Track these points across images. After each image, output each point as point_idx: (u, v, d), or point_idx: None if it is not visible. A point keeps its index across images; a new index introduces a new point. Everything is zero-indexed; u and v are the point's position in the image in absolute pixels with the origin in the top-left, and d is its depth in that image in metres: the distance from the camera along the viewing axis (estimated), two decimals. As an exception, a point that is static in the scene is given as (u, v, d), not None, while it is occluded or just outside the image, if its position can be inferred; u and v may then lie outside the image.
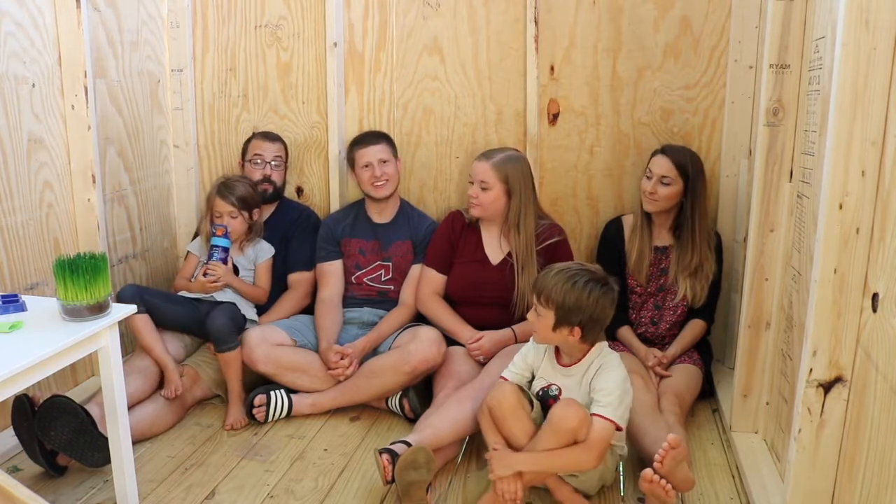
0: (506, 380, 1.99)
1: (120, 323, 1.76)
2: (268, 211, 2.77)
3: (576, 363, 1.93)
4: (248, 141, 2.79)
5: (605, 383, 1.86)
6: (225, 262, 2.49)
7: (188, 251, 2.66)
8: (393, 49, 2.85)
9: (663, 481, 1.75)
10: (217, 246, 2.48)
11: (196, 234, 2.74)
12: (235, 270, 2.57)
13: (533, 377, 2.01)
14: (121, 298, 2.31)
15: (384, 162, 2.62)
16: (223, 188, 2.54)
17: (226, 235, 2.50)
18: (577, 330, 1.85)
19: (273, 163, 2.73)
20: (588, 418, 1.80)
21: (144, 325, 2.36)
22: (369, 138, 2.67)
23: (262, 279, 2.62)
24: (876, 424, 1.33)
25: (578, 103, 2.78)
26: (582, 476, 1.88)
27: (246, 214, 2.56)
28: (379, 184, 2.61)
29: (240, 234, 2.57)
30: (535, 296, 1.89)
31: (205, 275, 2.47)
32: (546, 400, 1.95)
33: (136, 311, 2.46)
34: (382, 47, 2.85)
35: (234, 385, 2.41)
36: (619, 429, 1.85)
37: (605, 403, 1.83)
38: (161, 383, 2.41)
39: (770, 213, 2.05)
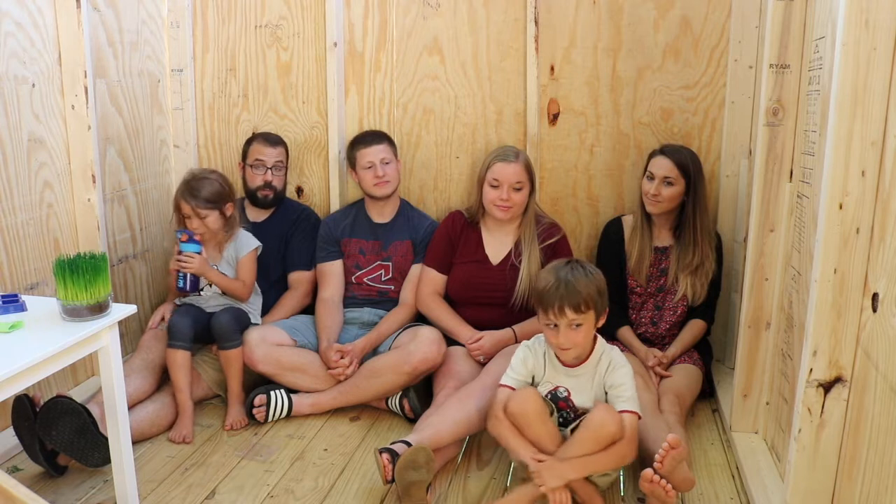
0: (508, 387, 1.96)
1: (121, 323, 1.76)
2: (267, 212, 2.77)
3: (582, 363, 1.93)
4: (249, 143, 2.77)
5: (621, 378, 1.89)
6: None
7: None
8: (393, 49, 2.85)
9: (664, 481, 1.75)
10: (185, 252, 2.39)
11: None
12: None
13: (533, 382, 2.01)
14: (173, 330, 2.32)
15: (386, 162, 2.62)
16: (188, 190, 2.38)
17: (191, 240, 2.38)
18: (606, 311, 1.91)
19: (274, 169, 2.71)
20: (622, 420, 1.84)
21: (184, 362, 2.33)
22: (371, 138, 2.67)
23: (244, 273, 2.49)
24: (876, 424, 1.34)
25: (578, 103, 2.78)
26: (613, 474, 1.92)
27: (217, 212, 2.41)
28: (381, 183, 2.61)
29: (216, 231, 2.43)
30: (570, 312, 1.82)
31: (177, 269, 2.39)
32: (556, 402, 1.95)
33: (161, 328, 2.47)
34: (382, 47, 2.85)
35: (234, 385, 2.41)
36: (640, 417, 1.89)
37: (626, 398, 1.87)
38: (161, 384, 2.41)
39: (770, 213, 2.05)
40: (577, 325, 1.84)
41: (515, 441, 1.89)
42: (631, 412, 1.86)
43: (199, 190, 2.38)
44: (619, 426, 1.81)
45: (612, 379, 1.89)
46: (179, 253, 2.39)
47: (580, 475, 1.83)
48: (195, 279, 2.43)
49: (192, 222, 2.39)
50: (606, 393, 1.92)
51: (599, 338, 1.95)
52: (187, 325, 2.34)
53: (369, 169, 2.61)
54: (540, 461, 1.82)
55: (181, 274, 2.39)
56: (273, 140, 2.75)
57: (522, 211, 2.50)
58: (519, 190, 2.44)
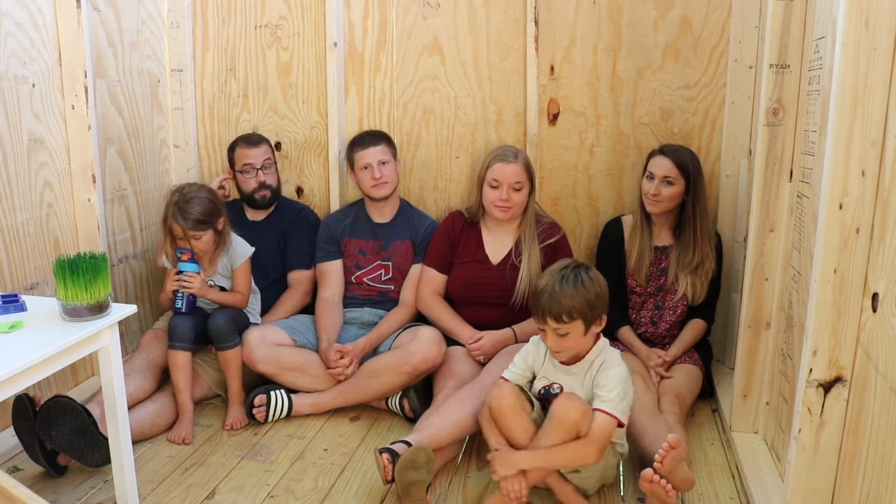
0: (506, 380, 1.99)
1: (121, 323, 1.76)
2: (266, 211, 2.77)
3: (578, 361, 1.93)
4: (232, 149, 2.73)
5: (607, 380, 1.87)
6: None
7: (165, 266, 2.50)
8: (393, 49, 2.85)
9: (663, 481, 1.75)
10: (186, 272, 2.38)
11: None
12: None
13: (534, 377, 2.01)
14: (174, 331, 2.31)
15: (383, 163, 2.62)
16: (180, 214, 2.31)
17: (192, 259, 2.36)
18: (603, 318, 1.90)
19: (264, 168, 2.68)
20: (589, 411, 1.82)
21: (185, 363, 2.32)
22: (369, 139, 2.66)
23: (240, 283, 2.49)
24: (876, 424, 1.34)
25: (578, 103, 2.78)
26: (584, 473, 1.89)
27: (211, 230, 2.37)
28: (378, 185, 2.61)
29: (209, 248, 2.40)
30: (551, 321, 1.84)
31: (175, 290, 2.37)
32: (548, 399, 1.95)
33: (159, 327, 2.43)
34: (382, 47, 2.85)
35: (233, 385, 2.41)
36: (620, 424, 1.86)
37: (606, 399, 1.84)
38: (161, 384, 2.41)
39: (770, 213, 2.05)
40: (563, 333, 1.85)
41: (489, 432, 1.93)
42: (604, 412, 1.83)
43: (191, 212, 2.31)
44: (583, 416, 1.79)
45: (598, 379, 1.89)
46: (179, 272, 2.36)
47: (531, 466, 1.82)
48: (193, 300, 2.40)
49: (187, 242, 2.35)
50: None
51: (602, 339, 1.95)
52: (188, 327, 2.34)
53: (366, 170, 2.61)
54: (497, 450, 1.86)
55: (178, 294, 2.36)
56: (254, 140, 2.72)
57: (522, 211, 2.50)
58: (518, 190, 2.44)
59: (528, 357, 2.01)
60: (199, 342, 2.47)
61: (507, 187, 2.42)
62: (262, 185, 2.69)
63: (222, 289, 2.48)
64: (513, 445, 1.88)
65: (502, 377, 2.01)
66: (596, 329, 1.90)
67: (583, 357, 1.93)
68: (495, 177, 2.43)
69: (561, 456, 1.82)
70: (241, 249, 2.50)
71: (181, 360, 2.31)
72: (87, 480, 2.05)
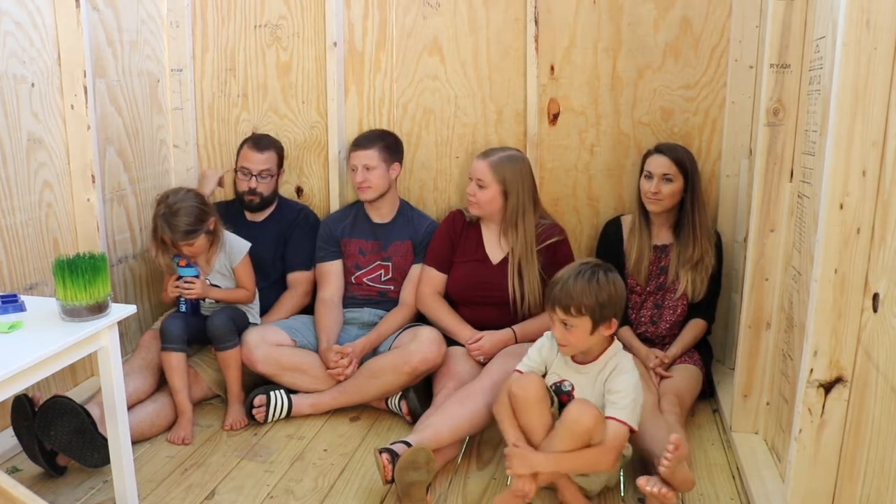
0: (521, 372, 1.98)
1: (120, 323, 1.76)
2: (266, 212, 2.77)
3: (591, 361, 1.93)
4: (241, 146, 2.73)
5: (621, 385, 1.86)
6: None
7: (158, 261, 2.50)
8: (393, 49, 2.85)
9: (665, 489, 1.76)
10: (185, 277, 2.40)
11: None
12: None
13: (546, 372, 2.01)
14: (166, 333, 2.32)
15: (368, 168, 2.60)
16: (167, 225, 2.31)
17: (189, 265, 2.39)
18: (613, 322, 1.87)
19: (259, 176, 2.67)
20: (602, 419, 1.81)
21: (179, 364, 2.32)
22: (363, 141, 2.66)
23: (244, 279, 2.51)
24: (877, 425, 1.33)
25: (578, 103, 2.77)
26: (591, 476, 1.89)
27: (202, 234, 2.38)
28: (361, 188, 2.62)
29: (203, 250, 2.42)
30: (559, 311, 1.85)
31: (178, 295, 2.41)
32: (559, 395, 1.95)
33: (162, 338, 2.37)
34: (382, 47, 2.85)
35: (233, 385, 2.40)
36: (632, 431, 1.86)
37: (620, 406, 1.84)
38: (160, 384, 2.41)
39: (770, 213, 2.05)
40: (569, 326, 1.85)
41: (507, 425, 1.91)
42: (618, 421, 1.82)
43: (179, 225, 2.31)
44: (596, 424, 1.78)
45: (611, 384, 1.88)
46: (178, 278, 2.39)
47: (549, 469, 1.82)
48: (196, 302, 2.44)
49: (180, 251, 2.38)
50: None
51: (615, 342, 1.94)
52: (179, 327, 2.34)
53: (354, 172, 2.62)
54: (516, 447, 1.84)
55: (182, 298, 2.41)
56: (262, 145, 2.70)
57: (497, 212, 2.48)
58: (482, 188, 2.44)
59: (543, 350, 2.00)
60: (198, 342, 2.46)
61: (474, 182, 2.45)
62: (252, 191, 2.69)
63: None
64: (529, 438, 1.88)
65: (517, 370, 1.99)
66: (605, 331, 1.87)
67: (596, 358, 1.92)
68: (470, 170, 2.50)
69: (577, 462, 1.82)
70: (238, 246, 2.51)
71: (175, 362, 2.31)
72: (87, 481, 2.05)
